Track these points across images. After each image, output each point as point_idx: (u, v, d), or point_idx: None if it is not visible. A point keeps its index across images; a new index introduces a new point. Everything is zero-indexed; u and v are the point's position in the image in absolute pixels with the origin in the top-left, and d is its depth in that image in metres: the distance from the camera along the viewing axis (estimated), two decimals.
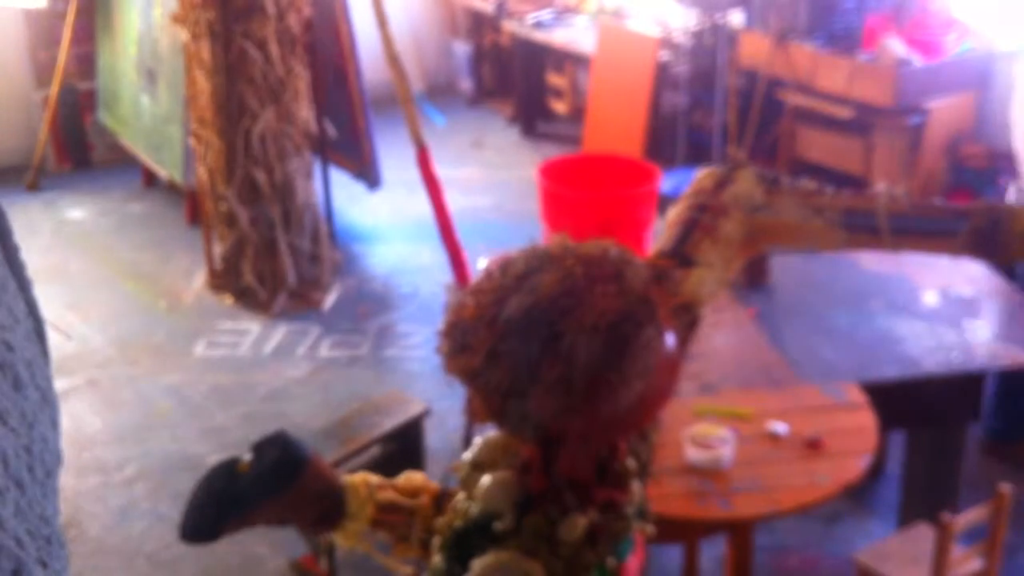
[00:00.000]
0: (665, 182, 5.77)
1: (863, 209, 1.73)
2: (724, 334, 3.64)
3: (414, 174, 5.36)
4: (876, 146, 5.86)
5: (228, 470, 1.58)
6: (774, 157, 6.33)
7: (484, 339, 1.35)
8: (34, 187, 7.07)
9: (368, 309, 5.63)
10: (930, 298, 3.91)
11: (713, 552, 3.61)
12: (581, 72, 8.14)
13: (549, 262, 1.38)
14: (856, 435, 3.12)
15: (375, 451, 3.88)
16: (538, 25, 7.63)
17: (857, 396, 3.26)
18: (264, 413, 4.75)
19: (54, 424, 0.96)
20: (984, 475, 3.97)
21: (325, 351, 5.26)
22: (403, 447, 3.96)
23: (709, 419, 3.12)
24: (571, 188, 5.69)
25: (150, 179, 7.01)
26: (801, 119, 6.24)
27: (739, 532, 3.11)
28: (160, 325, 5.51)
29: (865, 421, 3.17)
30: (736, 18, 6.45)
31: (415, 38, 8.36)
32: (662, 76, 6.92)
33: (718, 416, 3.14)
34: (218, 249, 5.76)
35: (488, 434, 1.62)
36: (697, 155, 6.48)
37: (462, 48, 8.63)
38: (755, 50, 6.33)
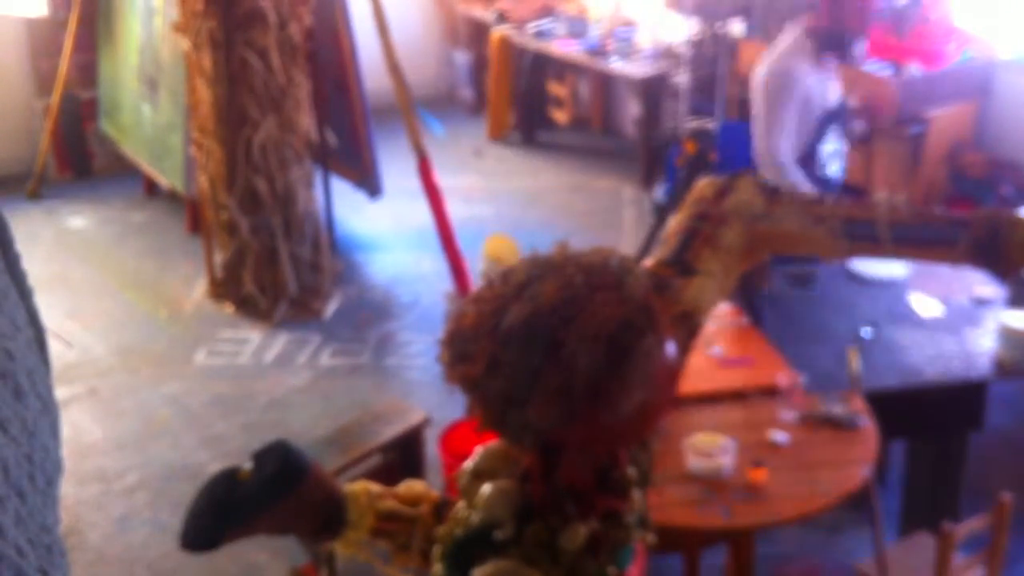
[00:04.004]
0: (663, 191, 5.78)
1: (864, 218, 1.73)
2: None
3: (415, 183, 5.37)
4: (876, 155, 5.86)
5: (229, 479, 1.58)
6: None
7: (485, 348, 1.35)
8: (35, 195, 7.08)
9: (369, 318, 5.63)
10: (931, 307, 3.91)
11: (714, 561, 3.60)
12: (582, 81, 8.16)
13: (550, 271, 1.38)
14: (857, 444, 3.11)
15: (375, 460, 3.88)
16: (539, 34, 7.64)
17: (858, 405, 3.26)
18: (265, 422, 4.75)
19: (55, 433, 0.96)
20: (985, 484, 3.97)
21: (326, 360, 5.26)
22: (404, 456, 3.96)
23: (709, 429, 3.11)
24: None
25: (151, 188, 7.02)
26: None
27: (740, 541, 3.10)
28: (161, 334, 5.51)
29: (866, 430, 3.16)
30: (736, 27, 6.46)
31: (416, 47, 8.37)
32: (662, 85, 6.93)
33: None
34: (219, 258, 5.76)
35: (489, 443, 1.62)
36: None
37: (462, 57, 8.64)
38: (755, 59, 6.34)
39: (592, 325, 1.32)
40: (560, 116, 8.20)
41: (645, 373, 1.34)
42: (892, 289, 4.02)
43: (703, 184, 1.79)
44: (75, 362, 5.24)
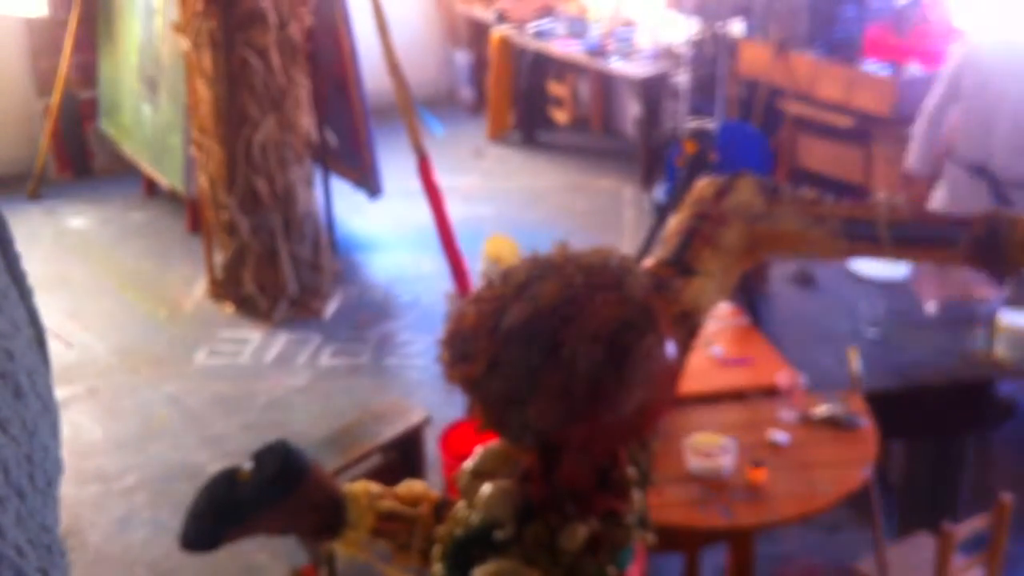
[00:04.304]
0: (663, 191, 5.78)
1: (864, 218, 1.73)
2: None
3: (415, 183, 5.37)
4: (876, 155, 5.87)
5: (229, 479, 1.58)
6: (774, 166, 6.33)
7: (485, 348, 1.36)
8: (35, 195, 7.08)
9: (369, 318, 5.63)
10: (931, 306, 3.91)
11: (714, 561, 3.60)
12: (582, 81, 8.16)
13: (550, 271, 1.38)
14: (857, 444, 3.11)
15: (376, 460, 3.88)
16: (539, 34, 7.64)
17: (858, 405, 3.26)
18: (265, 422, 4.75)
19: (55, 433, 0.96)
20: (985, 484, 3.96)
21: (326, 360, 5.26)
22: (404, 456, 3.96)
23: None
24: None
25: (151, 188, 7.02)
26: (801, 128, 6.24)
27: (740, 541, 3.10)
28: (161, 334, 5.51)
29: (866, 430, 3.16)
30: (736, 27, 6.46)
31: (416, 47, 8.37)
32: (663, 85, 6.93)
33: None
34: (219, 258, 5.76)
35: (489, 443, 1.62)
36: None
37: (462, 57, 8.64)
38: (755, 59, 6.34)
39: (592, 325, 1.32)
40: (560, 116, 8.20)
41: (645, 373, 1.34)
42: (892, 289, 4.02)
43: (703, 184, 1.79)
44: (75, 362, 5.24)
